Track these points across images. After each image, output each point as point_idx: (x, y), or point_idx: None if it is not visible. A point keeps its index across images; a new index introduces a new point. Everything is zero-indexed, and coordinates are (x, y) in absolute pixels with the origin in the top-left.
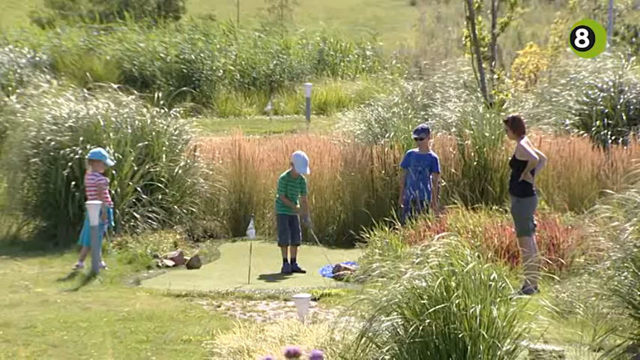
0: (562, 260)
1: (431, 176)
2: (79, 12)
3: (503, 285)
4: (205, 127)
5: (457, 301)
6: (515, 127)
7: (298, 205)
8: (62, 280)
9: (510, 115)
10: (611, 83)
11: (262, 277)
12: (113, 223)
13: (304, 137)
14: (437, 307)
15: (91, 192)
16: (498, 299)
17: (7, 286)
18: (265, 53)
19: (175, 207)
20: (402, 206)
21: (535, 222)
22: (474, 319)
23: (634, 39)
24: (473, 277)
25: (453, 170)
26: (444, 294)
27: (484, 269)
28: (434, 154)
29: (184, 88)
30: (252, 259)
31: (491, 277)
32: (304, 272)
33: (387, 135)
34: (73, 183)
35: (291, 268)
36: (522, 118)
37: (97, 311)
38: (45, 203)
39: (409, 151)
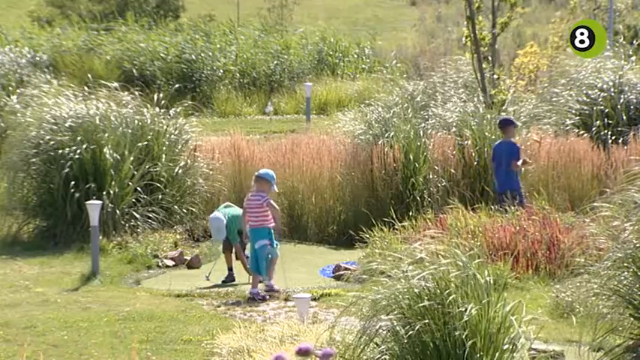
0: (562, 260)
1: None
2: (78, 11)
3: (502, 285)
4: (205, 127)
5: (456, 300)
6: None
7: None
8: (63, 281)
9: None
10: (611, 83)
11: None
12: (277, 251)
13: (304, 137)
14: (436, 306)
15: (254, 212)
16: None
17: (7, 286)
18: (265, 53)
19: (175, 207)
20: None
21: None
22: (474, 319)
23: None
24: (472, 277)
25: (452, 170)
26: (444, 294)
27: (483, 269)
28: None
29: (185, 84)
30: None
31: (491, 277)
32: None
33: (387, 135)
34: (73, 183)
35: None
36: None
37: (97, 311)
38: (45, 203)
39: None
